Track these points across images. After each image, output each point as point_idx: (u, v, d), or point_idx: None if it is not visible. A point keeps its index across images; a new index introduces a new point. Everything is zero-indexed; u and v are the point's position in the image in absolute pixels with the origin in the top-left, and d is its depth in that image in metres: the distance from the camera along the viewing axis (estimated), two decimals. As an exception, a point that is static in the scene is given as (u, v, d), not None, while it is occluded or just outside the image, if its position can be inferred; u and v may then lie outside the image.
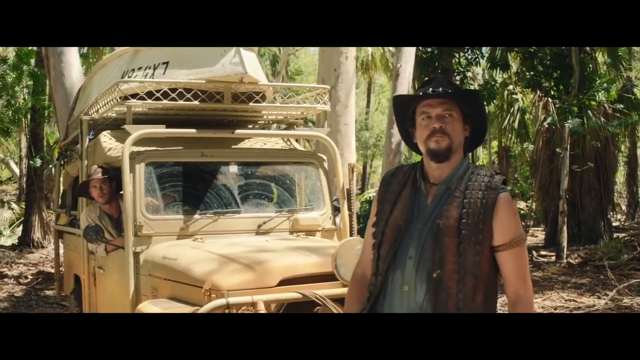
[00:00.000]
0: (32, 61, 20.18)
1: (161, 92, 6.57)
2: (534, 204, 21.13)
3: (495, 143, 33.88)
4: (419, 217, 3.28)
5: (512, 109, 20.62)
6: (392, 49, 17.72)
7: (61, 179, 10.29)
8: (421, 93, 3.34)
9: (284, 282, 5.19)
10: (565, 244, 17.10)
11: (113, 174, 6.97)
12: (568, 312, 11.28)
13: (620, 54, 20.11)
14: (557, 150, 17.67)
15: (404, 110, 3.49)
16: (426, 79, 3.70)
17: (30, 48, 21.81)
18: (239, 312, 4.81)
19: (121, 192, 6.97)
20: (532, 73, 18.73)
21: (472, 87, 20.70)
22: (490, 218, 3.20)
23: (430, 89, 3.31)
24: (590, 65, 19.03)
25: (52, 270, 13.66)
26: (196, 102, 6.65)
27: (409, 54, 12.53)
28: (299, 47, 34.12)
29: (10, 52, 25.97)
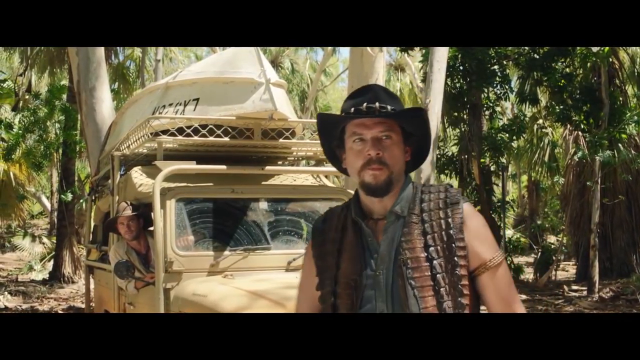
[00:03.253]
0: (64, 96, 20.38)
1: (192, 128, 6.60)
2: (564, 238, 20.96)
3: (524, 177, 33.80)
4: (374, 263, 2.65)
5: (542, 143, 20.55)
6: (420, 84, 17.70)
7: (92, 214, 10.35)
8: (352, 109, 2.71)
9: (314, 319, 5.17)
10: (596, 278, 16.99)
11: (141, 211, 7.01)
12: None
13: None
14: (588, 183, 17.59)
15: (329, 130, 2.85)
16: (360, 88, 2.83)
17: (62, 83, 22.08)
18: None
19: (150, 229, 7.01)
20: (561, 107, 18.67)
21: (501, 122, 20.68)
22: (462, 237, 2.63)
23: (365, 104, 2.68)
24: (620, 98, 18.95)
25: (83, 306, 13.71)
26: (226, 139, 6.67)
27: (438, 89, 12.53)
28: (328, 84, 34.28)
29: (43, 88, 26.28)
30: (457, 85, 18.78)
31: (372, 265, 2.65)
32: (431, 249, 2.60)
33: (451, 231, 2.62)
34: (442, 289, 2.58)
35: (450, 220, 2.64)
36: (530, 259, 24.47)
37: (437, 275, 2.58)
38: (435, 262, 2.58)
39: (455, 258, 2.60)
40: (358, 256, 2.67)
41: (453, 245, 2.61)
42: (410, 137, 2.76)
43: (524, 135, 20.16)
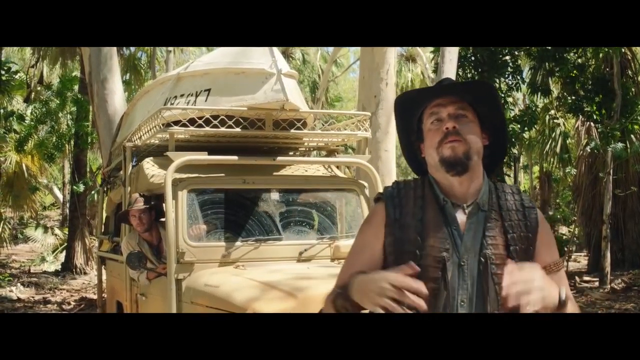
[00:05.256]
0: (76, 88, 20.42)
1: (203, 119, 6.60)
2: (576, 229, 20.91)
3: (536, 168, 33.73)
4: (458, 250, 2.66)
5: (554, 133, 20.51)
6: (432, 75, 17.67)
7: (104, 205, 10.37)
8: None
9: (325, 310, 5.16)
10: (608, 269, 16.95)
11: (153, 204, 7.03)
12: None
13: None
14: (600, 174, 17.52)
15: (408, 118, 2.88)
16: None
17: (74, 75, 22.08)
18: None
19: (162, 220, 7.03)
20: (573, 98, 18.61)
21: (512, 112, 20.65)
22: (535, 240, 2.73)
23: (439, 87, 2.83)
24: (633, 89, 18.86)
25: (95, 297, 13.75)
26: (238, 129, 6.67)
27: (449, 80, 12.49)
28: (339, 74, 34.23)
29: (55, 79, 26.32)
30: (469, 75, 18.72)
31: (457, 253, 2.66)
32: (512, 248, 2.67)
33: (530, 234, 2.72)
34: None
35: (528, 222, 2.73)
36: (542, 250, 24.36)
37: None
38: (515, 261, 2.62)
39: (531, 261, 2.65)
40: (445, 237, 2.66)
41: (531, 247, 2.70)
42: (486, 120, 2.81)
43: (535, 126, 20.11)
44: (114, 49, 14.07)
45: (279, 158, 7.08)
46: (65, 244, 21.82)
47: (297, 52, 36.81)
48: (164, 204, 6.54)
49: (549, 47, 18.42)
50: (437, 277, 2.61)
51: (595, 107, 18.37)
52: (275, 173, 7.28)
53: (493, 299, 2.63)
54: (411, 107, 2.85)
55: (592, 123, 18.16)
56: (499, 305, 2.60)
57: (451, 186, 2.73)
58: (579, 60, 19.08)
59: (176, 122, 6.70)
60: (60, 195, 36.47)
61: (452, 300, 2.63)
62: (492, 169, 2.89)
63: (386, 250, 2.73)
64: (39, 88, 26.90)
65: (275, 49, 6.82)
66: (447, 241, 2.65)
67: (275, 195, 6.97)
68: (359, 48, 14.30)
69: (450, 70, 12.53)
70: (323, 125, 8.21)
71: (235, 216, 6.85)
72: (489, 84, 2.93)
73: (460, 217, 2.71)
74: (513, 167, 18.17)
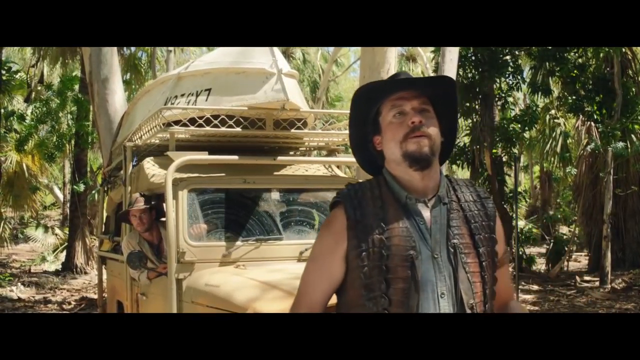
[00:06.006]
0: (76, 87, 20.41)
1: (204, 118, 6.60)
2: (577, 228, 20.90)
3: (537, 168, 33.74)
4: (427, 245, 2.64)
5: (554, 133, 20.51)
6: (432, 74, 17.63)
7: (104, 205, 10.37)
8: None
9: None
10: (609, 268, 16.95)
11: (153, 203, 7.02)
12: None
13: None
14: (601, 174, 17.52)
15: (366, 108, 2.81)
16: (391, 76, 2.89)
17: (74, 74, 22.09)
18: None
19: (162, 219, 7.02)
20: (574, 97, 18.60)
21: (513, 112, 20.65)
22: (495, 228, 2.79)
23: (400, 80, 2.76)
24: (633, 89, 18.85)
25: (95, 296, 13.75)
26: (238, 129, 6.67)
27: (450, 79, 12.49)
28: (339, 74, 34.22)
29: (55, 79, 26.32)
30: (469, 75, 18.74)
31: (427, 247, 2.64)
32: (477, 237, 2.70)
33: (491, 222, 2.78)
34: (486, 276, 2.70)
35: (487, 211, 2.79)
36: (543, 250, 24.37)
37: (484, 263, 2.69)
38: (481, 249, 2.69)
39: (495, 248, 2.77)
40: (409, 234, 2.62)
41: (493, 235, 2.77)
42: (442, 118, 2.79)
43: (536, 126, 20.10)
44: (115, 48, 14.07)
45: (280, 158, 7.08)
46: (66, 244, 21.81)
47: (297, 51, 36.83)
48: (164, 204, 6.54)
49: (550, 47, 18.41)
50: (406, 277, 2.58)
51: (595, 107, 18.37)
52: (275, 173, 7.27)
53: (467, 287, 2.63)
54: (371, 97, 2.80)
55: (592, 123, 18.14)
56: (473, 294, 2.64)
57: (412, 181, 2.71)
58: (580, 60, 19.07)
59: (177, 122, 6.70)
60: (60, 195, 36.50)
61: (432, 293, 2.60)
62: (443, 162, 2.94)
63: (349, 255, 2.67)
64: (39, 88, 26.90)
65: (275, 48, 6.83)
66: (412, 239, 2.62)
67: (275, 195, 6.96)
68: (359, 47, 14.27)
69: (450, 70, 12.53)
70: (324, 124, 8.21)
71: (236, 216, 6.84)
72: (450, 79, 2.86)
73: (425, 211, 2.69)
74: (513, 167, 18.12)
